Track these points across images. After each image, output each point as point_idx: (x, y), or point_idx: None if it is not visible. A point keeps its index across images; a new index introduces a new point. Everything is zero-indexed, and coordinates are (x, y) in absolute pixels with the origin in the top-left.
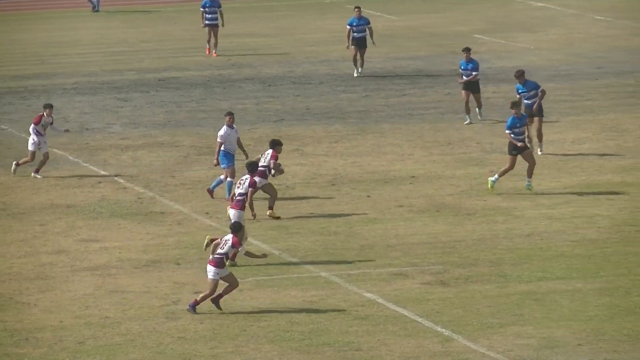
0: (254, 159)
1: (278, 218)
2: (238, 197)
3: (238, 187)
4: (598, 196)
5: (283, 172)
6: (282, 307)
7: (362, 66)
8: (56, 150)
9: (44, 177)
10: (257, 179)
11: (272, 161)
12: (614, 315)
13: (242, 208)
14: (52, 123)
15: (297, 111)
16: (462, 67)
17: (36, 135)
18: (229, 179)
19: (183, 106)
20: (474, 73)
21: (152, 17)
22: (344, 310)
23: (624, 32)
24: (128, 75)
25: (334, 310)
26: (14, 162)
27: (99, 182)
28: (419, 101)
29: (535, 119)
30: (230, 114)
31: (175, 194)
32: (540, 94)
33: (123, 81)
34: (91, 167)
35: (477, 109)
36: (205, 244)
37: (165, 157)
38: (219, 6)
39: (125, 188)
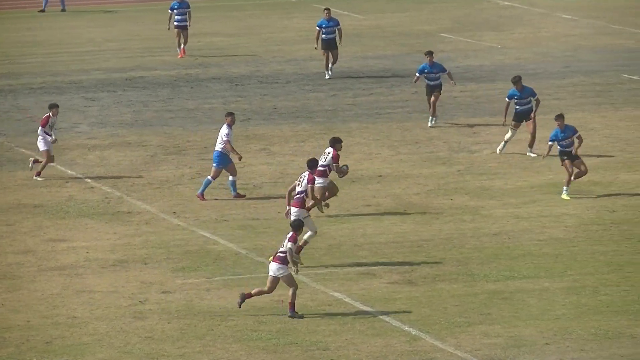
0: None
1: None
2: (298, 195)
3: (298, 186)
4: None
5: (347, 173)
6: (249, 307)
7: (333, 63)
8: (23, 150)
9: (43, 179)
10: (321, 181)
11: (334, 164)
12: (581, 314)
13: (303, 206)
14: (54, 123)
15: (265, 110)
16: (426, 71)
17: (43, 137)
18: (209, 177)
19: (150, 106)
20: (446, 73)
21: (118, 17)
22: (312, 309)
23: (591, 31)
24: (95, 74)
25: (301, 310)
26: (35, 174)
27: (66, 182)
28: (386, 100)
29: (529, 122)
30: (231, 114)
31: (142, 193)
32: (536, 102)
33: (90, 81)
34: (58, 167)
35: (431, 117)
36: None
37: (132, 157)
38: (188, 7)
39: (92, 188)
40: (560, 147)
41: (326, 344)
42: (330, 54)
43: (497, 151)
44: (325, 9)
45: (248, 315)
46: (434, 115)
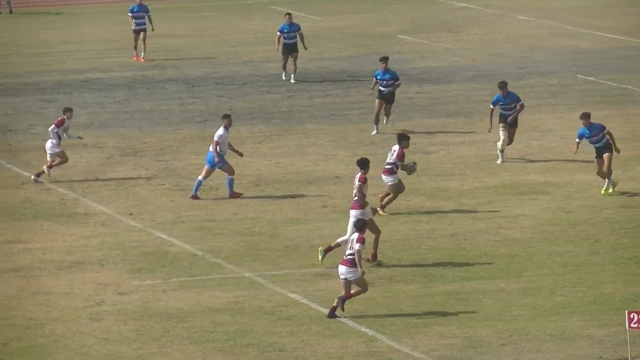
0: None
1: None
2: (356, 198)
3: (354, 188)
4: (521, 196)
5: (415, 169)
6: (206, 308)
7: (294, 72)
8: None
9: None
10: (383, 176)
11: (399, 162)
12: (537, 315)
13: (362, 207)
14: (67, 127)
15: (221, 112)
16: (379, 77)
17: (56, 138)
18: (200, 177)
19: (106, 107)
20: (396, 83)
21: (74, 19)
22: (268, 310)
23: (546, 32)
24: (51, 76)
25: (258, 311)
26: (46, 166)
27: (22, 184)
28: (343, 102)
29: (512, 128)
30: (227, 116)
31: (98, 195)
32: (519, 107)
33: (46, 82)
34: (14, 168)
35: (385, 117)
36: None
37: (88, 158)
38: (147, 11)
39: (48, 189)
40: (591, 143)
41: (283, 345)
42: (290, 58)
43: (499, 162)
44: (286, 14)
45: (204, 316)
46: (386, 117)
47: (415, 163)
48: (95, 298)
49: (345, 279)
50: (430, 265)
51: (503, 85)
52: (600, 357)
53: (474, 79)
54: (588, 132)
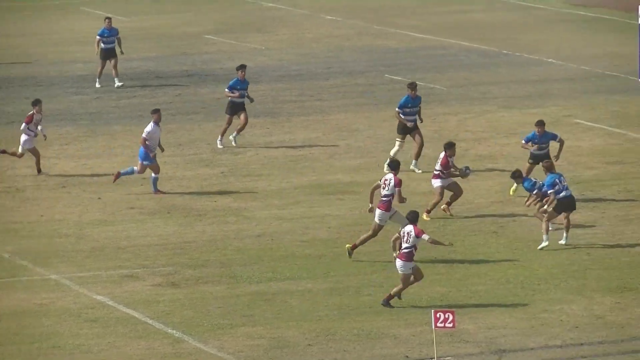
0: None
1: (451, 215)
2: (383, 198)
3: (384, 188)
4: (328, 196)
5: (468, 174)
6: (11, 311)
7: (117, 76)
8: None
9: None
10: (432, 180)
11: (445, 171)
12: (344, 315)
13: (389, 209)
14: (40, 120)
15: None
16: (238, 87)
17: (27, 134)
18: (154, 174)
19: None
20: (246, 93)
21: None
22: (74, 313)
23: (353, 31)
24: None
25: (64, 313)
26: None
27: None
28: (150, 102)
29: (415, 133)
30: (157, 111)
31: None
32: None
33: None
34: None
35: (236, 132)
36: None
37: None
38: None
39: None
40: (537, 150)
41: (89, 347)
42: (109, 63)
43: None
44: (106, 18)
45: (10, 319)
46: (237, 132)
47: (466, 167)
48: None
49: (405, 272)
50: (237, 266)
51: (414, 86)
52: (407, 356)
53: (281, 79)
54: (537, 138)
